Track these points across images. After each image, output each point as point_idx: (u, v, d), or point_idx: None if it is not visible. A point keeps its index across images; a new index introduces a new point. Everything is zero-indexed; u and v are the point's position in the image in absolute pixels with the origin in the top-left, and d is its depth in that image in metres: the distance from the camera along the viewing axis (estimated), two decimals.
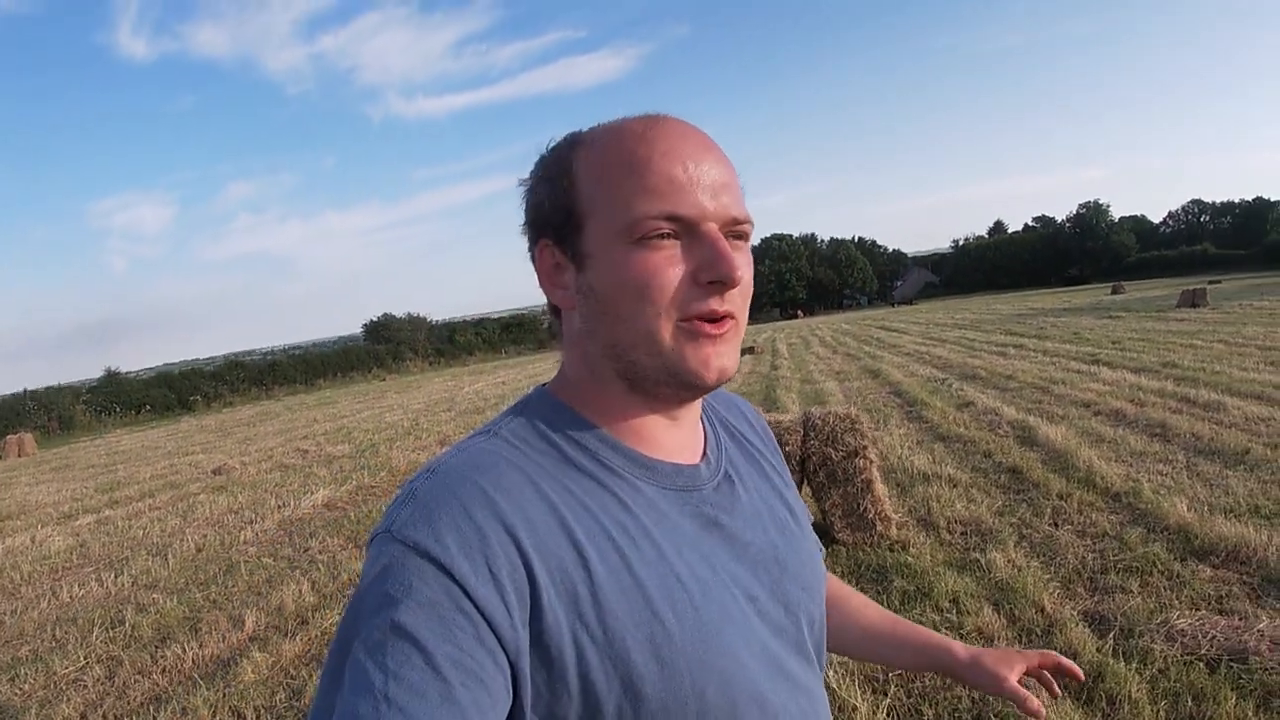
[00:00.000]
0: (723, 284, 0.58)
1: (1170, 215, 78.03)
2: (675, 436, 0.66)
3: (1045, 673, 0.90)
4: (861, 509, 4.02)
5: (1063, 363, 10.30)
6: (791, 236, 77.95)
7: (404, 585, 0.50)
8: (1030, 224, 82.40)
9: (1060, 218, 77.09)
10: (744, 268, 0.60)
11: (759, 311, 68.92)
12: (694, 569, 0.59)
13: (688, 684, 0.55)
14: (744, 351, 18.98)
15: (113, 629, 4.30)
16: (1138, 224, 77.19)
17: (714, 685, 0.56)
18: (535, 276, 0.66)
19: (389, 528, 0.53)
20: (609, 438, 0.63)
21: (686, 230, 0.58)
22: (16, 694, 3.61)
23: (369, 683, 0.47)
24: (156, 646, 3.93)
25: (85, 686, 3.57)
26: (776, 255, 72.86)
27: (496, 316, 51.58)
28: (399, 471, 8.18)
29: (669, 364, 0.59)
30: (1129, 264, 65.81)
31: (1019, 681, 0.87)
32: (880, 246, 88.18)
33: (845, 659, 2.77)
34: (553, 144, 0.65)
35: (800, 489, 3.95)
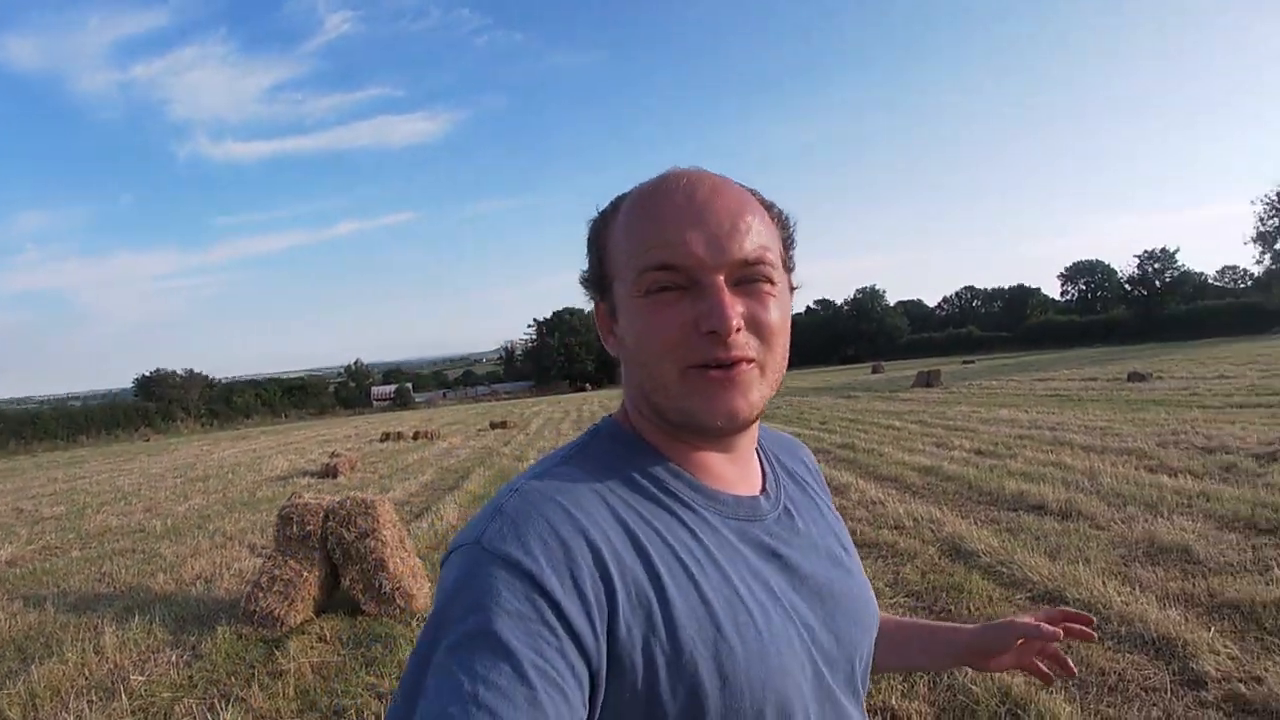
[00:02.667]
0: (717, 334, 0.60)
1: (944, 300, 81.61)
2: (733, 469, 0.70)
3: (1053, 640, 0.84)
4: (378, 584, 4.49)
5: None
6: (583, 311, 75.16)
7: (493, 594, 0.52)
8: (811, 307, 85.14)
9: (839, 301, 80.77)
10: (761, 312, 0.62)
11: (546, 385, 67.93)
12: (755, 594, 0.62)
13: (747, 702, 0.57)
14: (496, 426, 20.21)
15: None
16: (913, 308, 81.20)
17: (771, 706, 0.58)
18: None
19: (478, 539, 0.56)
20: (673, 468, 0.67)
21: (691, 281, 0.61)
22: None
23: (457, 685, 0.48)
24: None
25: None
26: (566, 329, 71.45)
27: (288, 377, 49.35)
28: (85, 534, 8.79)
29: (680, 407, 0.63)
30: (901, 345, 69.63)
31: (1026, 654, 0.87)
32: None
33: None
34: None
35: (323, 569, 4.62)
